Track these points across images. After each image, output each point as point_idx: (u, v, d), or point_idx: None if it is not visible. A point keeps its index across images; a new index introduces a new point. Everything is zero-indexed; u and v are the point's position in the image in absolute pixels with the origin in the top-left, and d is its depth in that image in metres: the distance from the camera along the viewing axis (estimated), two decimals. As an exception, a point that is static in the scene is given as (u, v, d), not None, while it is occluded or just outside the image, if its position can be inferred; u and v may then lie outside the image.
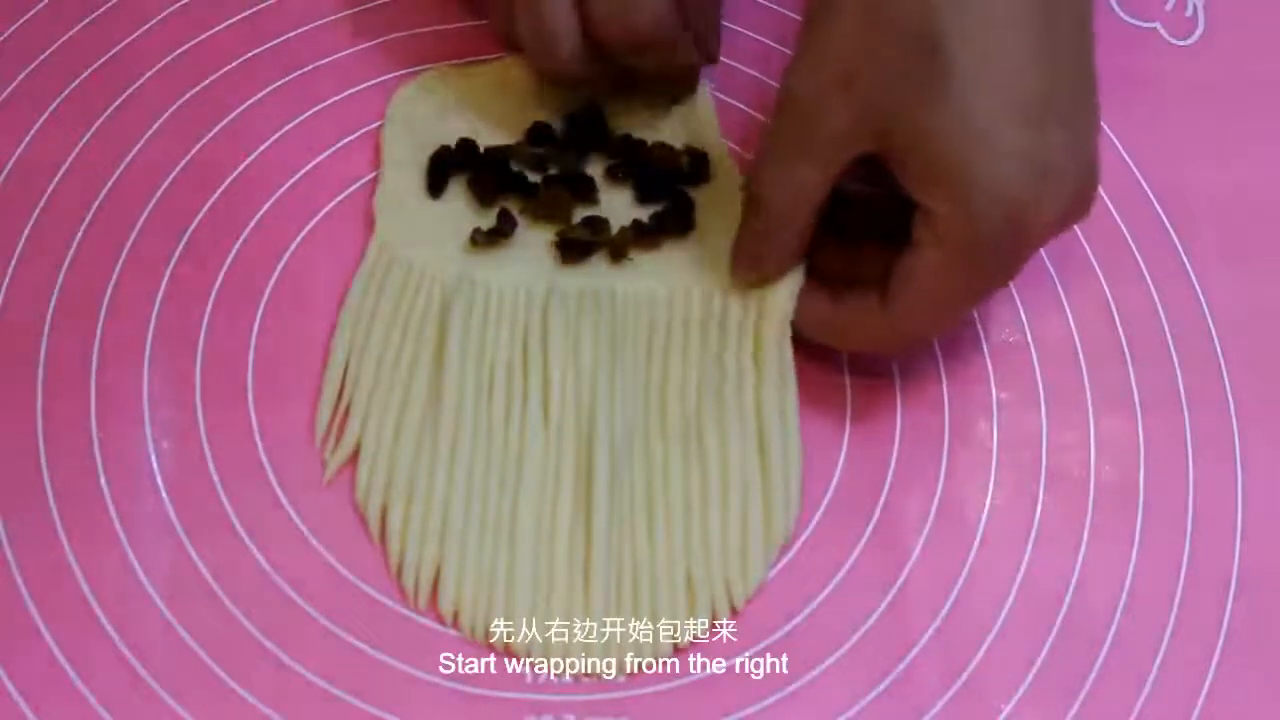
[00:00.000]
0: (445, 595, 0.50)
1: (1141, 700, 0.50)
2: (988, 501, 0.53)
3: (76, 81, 0.57)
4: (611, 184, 0.57)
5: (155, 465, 0.51)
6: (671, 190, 0.57)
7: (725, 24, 0.60)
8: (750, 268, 0.54)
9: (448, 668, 0.49)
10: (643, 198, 0.57)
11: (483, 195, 0.57)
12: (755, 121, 0.59)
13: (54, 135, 0.56)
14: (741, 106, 0.59)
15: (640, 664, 0.50)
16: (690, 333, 0.54)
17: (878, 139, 0.49)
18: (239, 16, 0.59)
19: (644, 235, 0.56)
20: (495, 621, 0.50)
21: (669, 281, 0.55)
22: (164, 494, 0.51)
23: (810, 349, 0.55)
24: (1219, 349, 0.56)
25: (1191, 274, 0.57)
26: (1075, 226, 0.57)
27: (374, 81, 0.59)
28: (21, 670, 0.48)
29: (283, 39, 0.59)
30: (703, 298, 0.55)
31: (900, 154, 0.48)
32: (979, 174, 0.47)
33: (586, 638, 0.50)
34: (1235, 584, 0.52)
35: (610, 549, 0.51)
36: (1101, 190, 0.58)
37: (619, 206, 0.57)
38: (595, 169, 0.58)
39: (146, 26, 0.59)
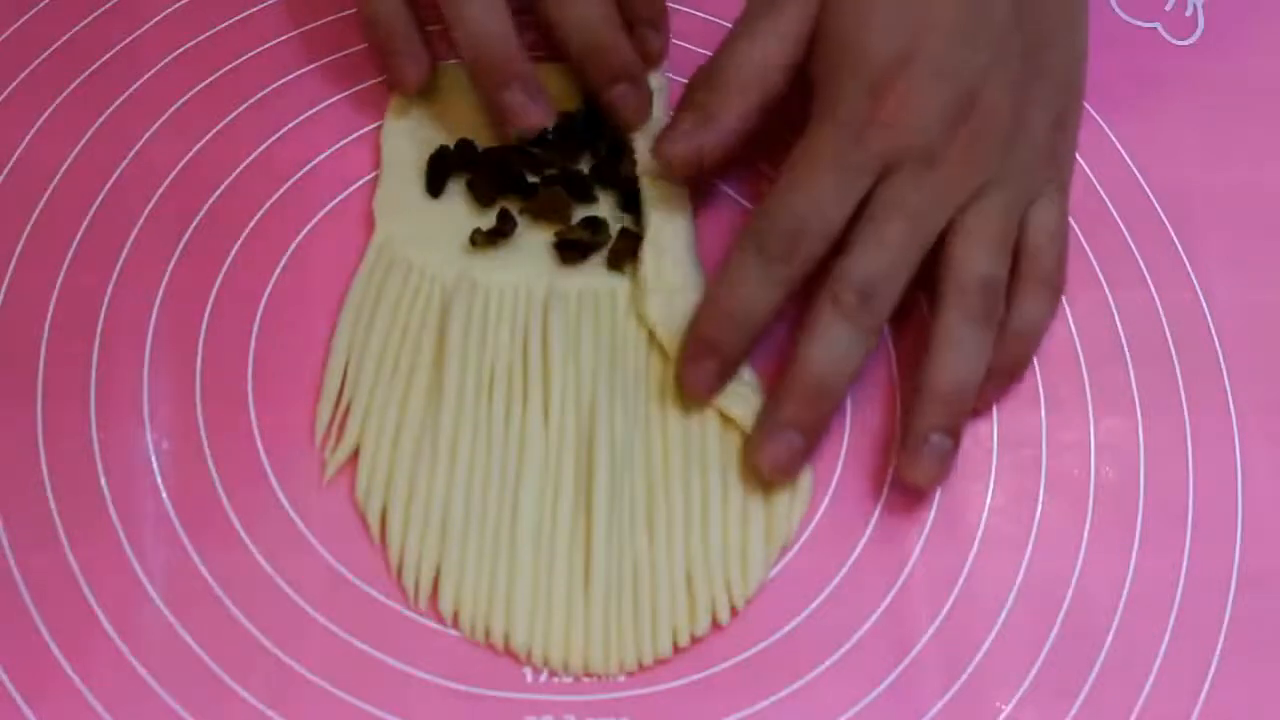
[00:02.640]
0: (445, 595, 0.50)
1: (1141, 700, 0.50)
2: (988, 501, 0.53)
3: (76, 81, 0.57)
4: (607, 186, 0.57)
5: (155, 465, 0.51)
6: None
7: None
8: (689, 140, 0.54)
9: (448, 668, 0.49)
10: (625, 204, 0.57)
11: (482, 196, 0.57)
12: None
13: (54, 135, 0.56)
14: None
15: (640, 664, 0.50)
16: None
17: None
18: (239, 16, 0.59)
19: (635, 241, 0.56)
20: (495, 621, 0.50)
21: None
22: (164, 494, 0.51)
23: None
24: (1219, 349, 0.56)
25: (1191, 274, 0.57)
26: (1076, 227, 0.57)
27: (374, 81, 0.59)
28: (21, 670, 0.48)
29: (283, 39, 0.59)
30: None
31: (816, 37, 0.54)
32: (850, 40, 0.53)
33: (586, 638, 0.50)
34: (1235, 584, 0.52)
35: (610, 549, 0.51)
36: (1101, 190, 0.59)
37: (618, 208, 0.57)
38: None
39: (146, 27, 0.59)
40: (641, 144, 0.56)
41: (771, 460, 0.52)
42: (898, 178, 0.52)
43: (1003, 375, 0.54)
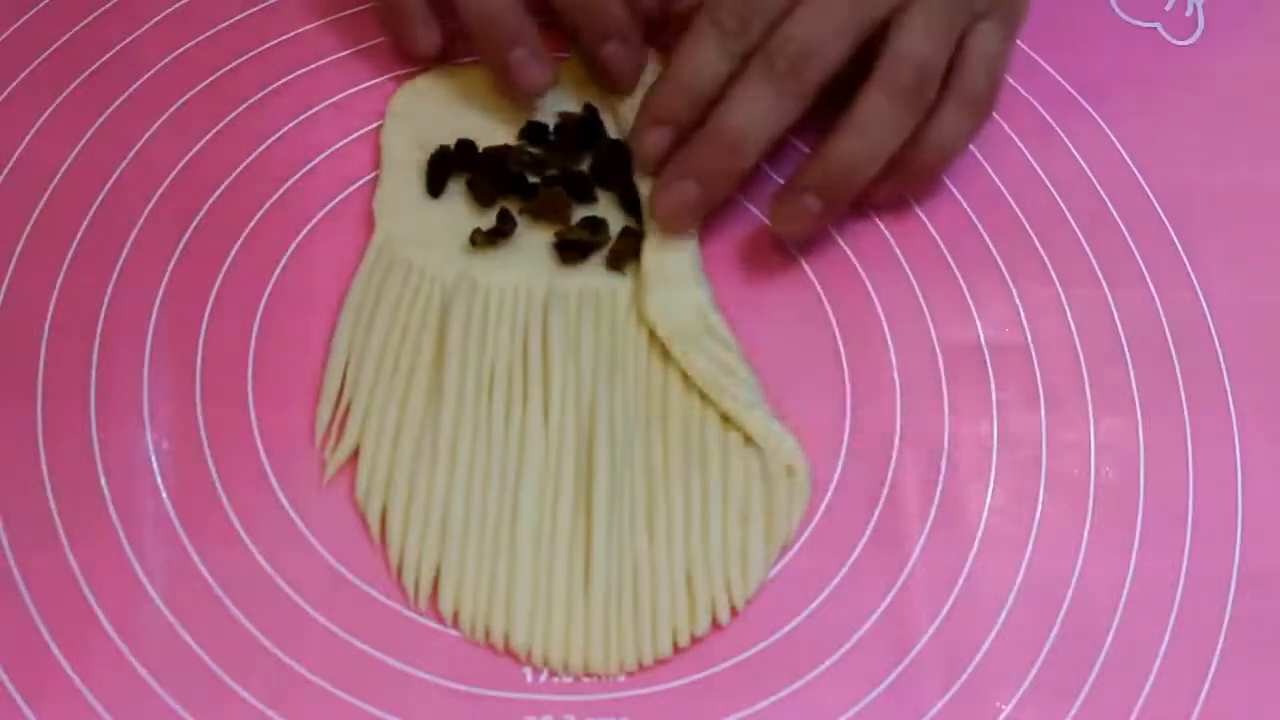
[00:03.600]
0: (445, 595, 0.50)
1: (1141, 700, 0.50)
2: (987, 501, 0.53)
3: (76, 81, 0.57)
4: (606, 186, 0.57)
5: (155, 465, 0.51)
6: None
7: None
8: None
9: (448, 668, 0.49)
10: (625, 204, 0.57)
11: (482, 196, 0.57)
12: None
13: (54, 135, 0.56)
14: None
15: (640, 664, 0.50)
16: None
17: None
18: (239, 16, 0.59)
19: (636, 240, 0.56)
20: (495, 621, 0.50)
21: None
22: (164, 494, 0.51)
23: (810, 349, 0.55)
24: (1219, 349, 0.56)
25: (1191, 274, 0.57)
26: (1074, 224, 0.57)
27: (374, 81, 0.59)
28: (21, 670, 0.48)
29: (282, 39, 0.59)
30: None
31: None
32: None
33: (586, 638, 0.50)
34: (1235, 584, 0.52)
35: (610, 549, 0.51)
36: (1101, 190, 0.59)
37: (617, 208, 0.57)
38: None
39: (146, 27, 0.59)
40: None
41: (665, 206, 0.54)
42: None
43: (904, 178, 0.56)
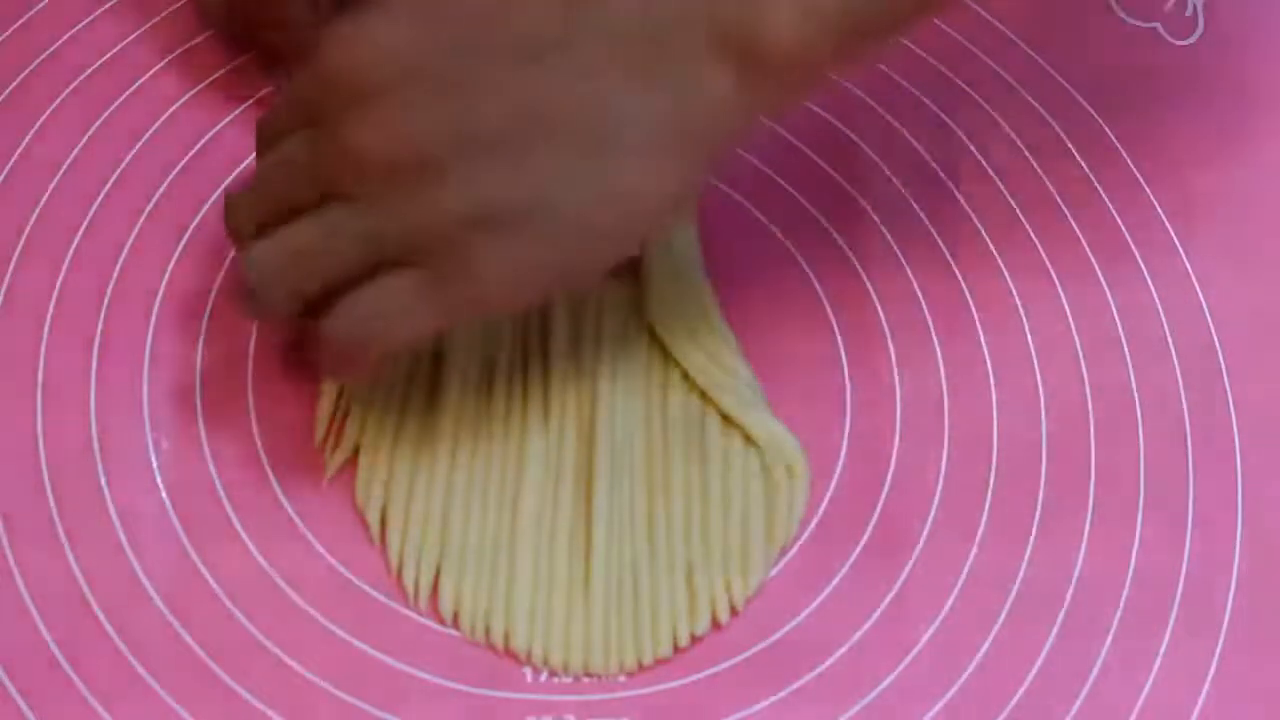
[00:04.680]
0: (445, 595, 0.50)
1: (1141, 700, 0.50)
2: (987, 501, 0.53)
3: (76, 81, 0.57)
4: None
5: (155, 465, 0.51)
6: None
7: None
8: None
9: (448, 668, 0.49)
10: None
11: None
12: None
13: (54, 135, 0.56)
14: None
15: (640, 664, 0.50)
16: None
17: None
18: (239, 16, 0.59)
19: None
20: (495, 621, 0.50)
21: (669, 281, 0.56)
22: (164, 494, 0.51)
23: (810, 349, 0.55)
24: (1219, 349, 0.56)
25: (1192, 274, 0.57)
26: (1074, 224, 0.57)
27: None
28: (21, 670, 0.48)
29: (283, 39, 0.59)
30: (703, 298, 0.55)
31: None
32: None
33: (586, 638, 0.50)
34: (1235, 584, 0.52)
35: (610, 549, 0.51)
36: (1101, 190, 0.59)
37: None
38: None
39: (146, 26, 0.59)
40: None
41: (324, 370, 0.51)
42: None
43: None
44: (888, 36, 0.49)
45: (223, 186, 0.56)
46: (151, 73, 0.58)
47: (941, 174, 0.58)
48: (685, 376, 0.54)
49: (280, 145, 0.48)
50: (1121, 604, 0.51)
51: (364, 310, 0.47)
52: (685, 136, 0.46)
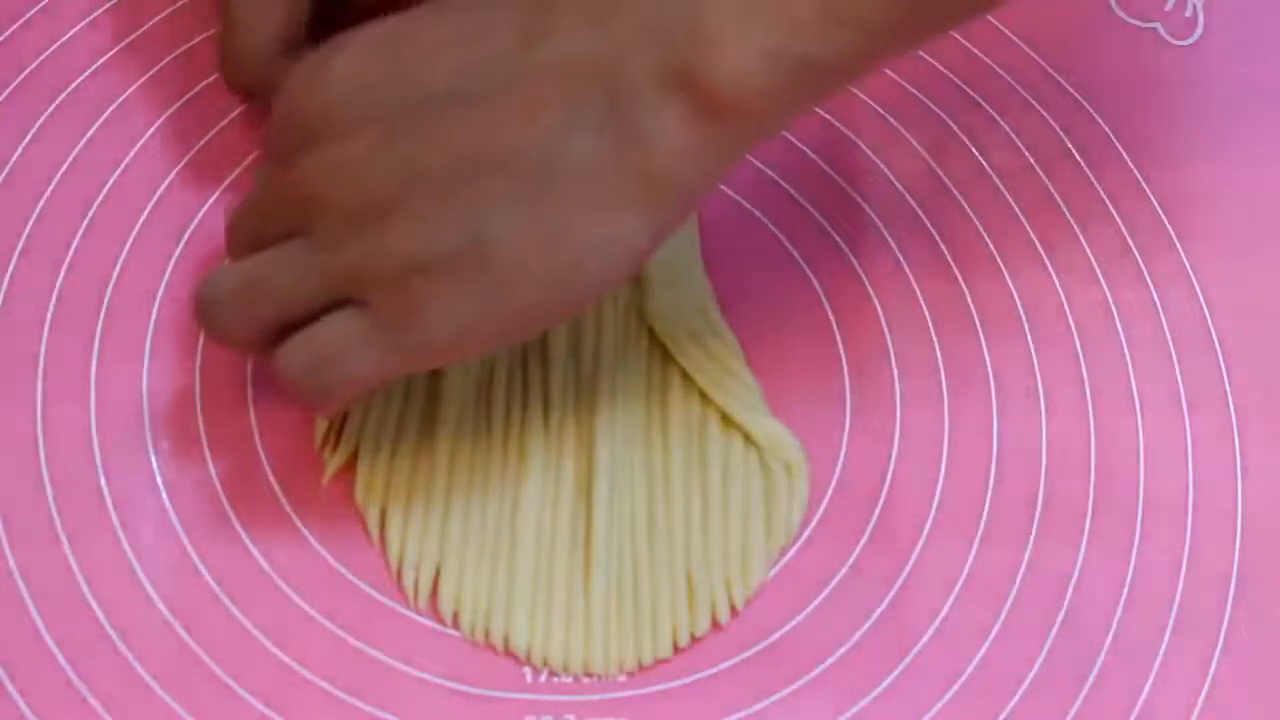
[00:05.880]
0: (445, 595, 0.50)
1: (1141, 700, 0.50)
2: (987, 501, 0.53)
3: (77, 81, 0.57)
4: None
5: (155, 465, 0.51)
6: None
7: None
8: None
9: (448, 668, 0.49)
10: None
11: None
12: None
13: (54, 135, 0.56)
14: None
15: (640, 664, 0.50)
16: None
17: None
18: (239, 16, 0.59)
19: None
20: (495, 621, 0.50)
21: (669, 281, 0.55)
22: (164, 494, 0.51)
23: (810, 349, 0.55)
24: (1219, 349, 0.56)
25: (1191, 274, 0.57)
26: (1074, 224, 0.57)
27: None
28: (21, 670, 0.48)
29: (283, 39, 0.59)
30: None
31: None
32: None
33: (586, 638, 0.50)
34: (1235, 584, 0.52)
35: (610, 549, 0.51)
36: (1101, 190, 0.59)
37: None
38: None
39: (146, 26, 0.59)
40: None
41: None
42: None
43: None
44: (856, 74, 0.46)
45: (223, 186, 0.56)
46: (151, 73, 0.58)
47: (941, 174, 0.58)
48: (685, 377, 0.54)
49: (262, 173, 0.49)
50: (1121, 604, 0.51)
51: (312, 348, 0.46)
52: (640, 185, 0.44)
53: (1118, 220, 0.58)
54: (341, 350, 0.46)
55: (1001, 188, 0.59)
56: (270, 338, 0.47)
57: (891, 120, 0.59)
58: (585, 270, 0.45)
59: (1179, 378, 0.55)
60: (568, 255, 0.45)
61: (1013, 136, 0.60)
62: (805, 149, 0.58)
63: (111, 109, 0.57)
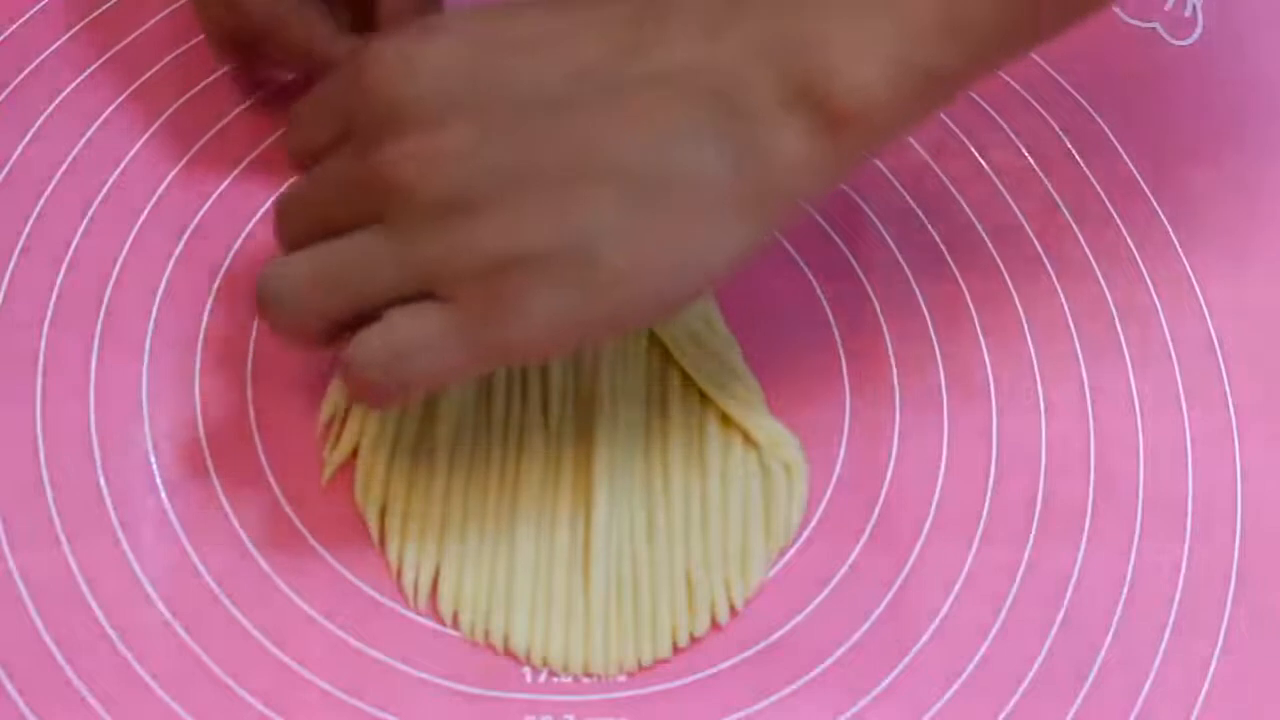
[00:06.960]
0: (445, 596, 0.50)
1: (1141, 700, 0.50)
2: (987, 501, 0.53)
3: (77, 81, 0.57)
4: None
5: (155, 465, 0.51)
6: None
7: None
8: None
9: (448, 668, 0.49)
10: None
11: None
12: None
13: (54, 135, 0.56)
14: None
15: (640, 664, 0.50)
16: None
17: None
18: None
19: None
20: (495, 621, 0.50)
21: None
22: (164, 494, 0.51)
23: (810, 349, 0.55)
24: (1219, 349, 0.56)
25: (1191, 274, 0.57)
26: (1074, 224, 0.57)
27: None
28: (21, 670, 0.48)
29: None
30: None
31: None
32: None
33: (586, 638, 0.50)
34: (1235, 584, 0.52)
35: (610, 549, 0.51)
36: (1101, 190, 0.59)
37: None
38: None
39: (146, 26, 0.59)
40: None
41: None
42: None
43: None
44: (974, 79, 0.45)
45: (223, 186, 0.56)
46: (151, 72, 0.58)
47: (940, 174, 0.58)
48: (685, 377, 0.54)
49: (325, 159, 0.47)
50: (1121, 604, 0.51)
51: (387, 341, 0.45)
52: (755, 196, 0.44)
53: (1117, 220, 0.58)
54: (422, 344, 0.45)
55: (1001, 187, 0.59)
56: (336, 329, 0.46)
57: (891, 120, 0.59)
58: (686, 276, 0.45)
59: (1179, 378, 0.55)
60: (673, 260, 0.44)
61: (1013, 136, 0.60)
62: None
63: (111, 109, 0.57)
